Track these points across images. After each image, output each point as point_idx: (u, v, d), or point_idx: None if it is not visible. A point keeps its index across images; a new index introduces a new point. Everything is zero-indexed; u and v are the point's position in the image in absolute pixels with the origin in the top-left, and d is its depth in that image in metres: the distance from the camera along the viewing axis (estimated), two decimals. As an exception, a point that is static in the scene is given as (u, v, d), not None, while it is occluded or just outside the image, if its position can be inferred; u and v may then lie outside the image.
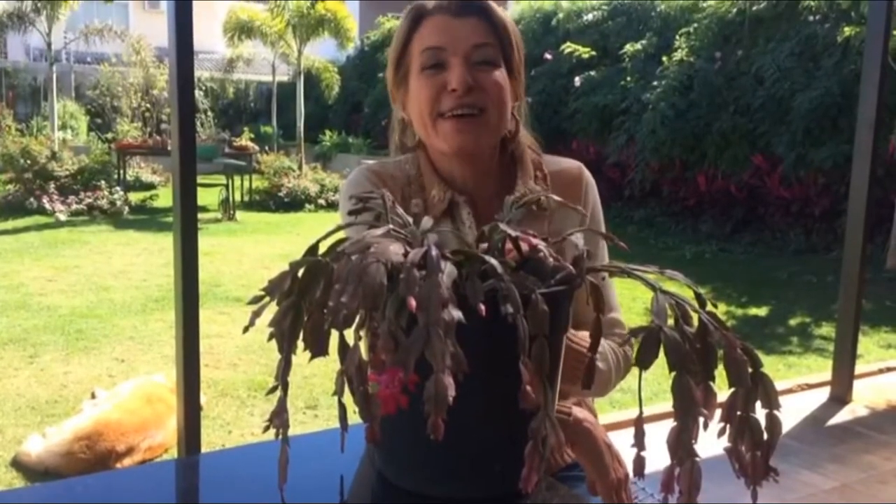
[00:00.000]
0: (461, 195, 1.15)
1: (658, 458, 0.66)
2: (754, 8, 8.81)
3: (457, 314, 0.58)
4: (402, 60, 1.15)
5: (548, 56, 10.74)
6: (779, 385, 3.82)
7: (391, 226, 0.74)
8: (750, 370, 0.66)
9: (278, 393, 0.65)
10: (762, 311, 5.78)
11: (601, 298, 0.77)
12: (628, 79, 9.68)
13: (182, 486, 1.16)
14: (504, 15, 1.14)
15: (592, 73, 10.21)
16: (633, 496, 1.07)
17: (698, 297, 0.71)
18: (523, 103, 1.21)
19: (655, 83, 9.19)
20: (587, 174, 1.23)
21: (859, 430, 3.39)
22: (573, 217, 1.14)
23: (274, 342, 0.65)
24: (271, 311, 0.66)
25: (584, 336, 0.93)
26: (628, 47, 9.86)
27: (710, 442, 0.67)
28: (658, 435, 0.65)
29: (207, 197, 9.36)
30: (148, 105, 13.47)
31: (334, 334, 0.62)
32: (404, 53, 1.14)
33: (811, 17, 8.25)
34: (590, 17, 10.70)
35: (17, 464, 2.96)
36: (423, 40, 1.11)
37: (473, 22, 1.11)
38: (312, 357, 0.63)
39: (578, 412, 1.05)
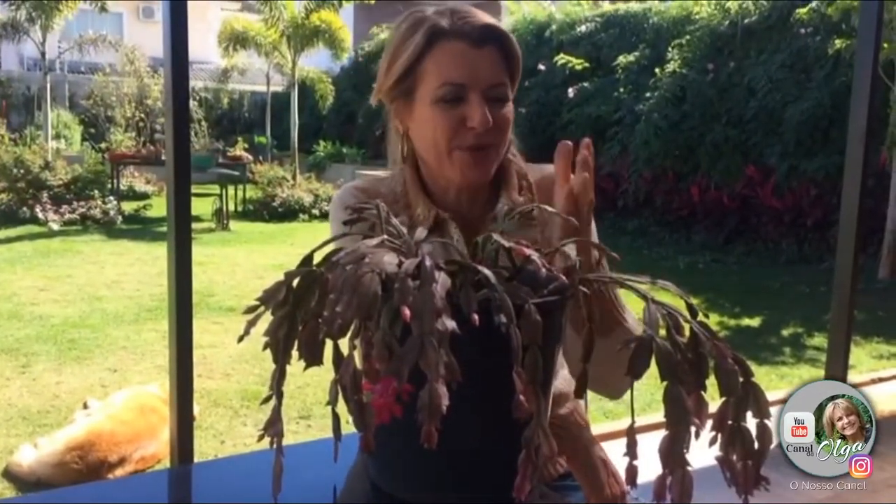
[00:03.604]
0: (448, 212, 1.13)
1: (650, 467, 0.66)
2: (746, 20, 8.87)
3: (450, 324, 0.59)
4: (408, 75, 1.09)
5: (541, 67, 10.78)
6: (771, 395, 3.81)
7: (385, 236, 0.74)
8: (741, 379, 0.67)
9: (272, 402, 0.65)
10: (755, 322, 5.79)
11: (594, 309, 0.77)
12: (621, 90, 9.72)
13: (174, 497, 1.15)
14: (516, 43, 1.11)
15: (586, 84, 10.25)
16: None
17: (690, 307, 0.71)
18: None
19: (648, 94, 9.24)
20: None
21: (852, 441, 3.39)
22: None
23: (267, 352, 0.65)
24: (265, 321, 0.67)
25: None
26: (621, 59, 9.90)
27: (702, 451, 0.68)
28: (650, 444, 0.66)
29: (201, 207, 9.35)
30: (142, 115, 13.46)
31: (329, 344, 0.62)
32: (413, 70, 1.09)
33: (802, 30, 8.31)
34: (583, 28, 10.75)
35: (9, 474, 2.95)
36: (442, 70, 1.07)
37: (493, 54, 1.07)
38: (307, 367, 0.64)
39: (574, 428, 1.05)
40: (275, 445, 0.65)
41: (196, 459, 2.60)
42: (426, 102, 1.08)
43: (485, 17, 1.09)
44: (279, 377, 0.65)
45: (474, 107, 1.05)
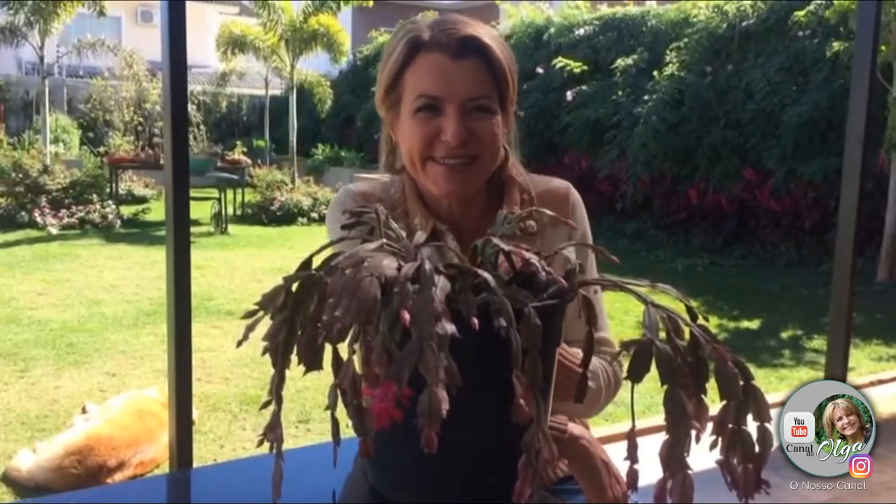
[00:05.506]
0: (444, 223, 1.12)
1: (651, 470, 0.66)
2: (744, 23, 8.88)
3: (450, 328, 0.58)
4: (393, 87, 1.11)
5: (540, 70, 10.79)
6: (771, 397, 3.81)
7: (385, 240, 0.74)
8: (741, 383, 0.67)
9: (272, 407, 0.65)
10: (754, 324, 5.79)
11: (593, 313, 0.77)
12: (620, 93, 9.74)
13: (174, 502, 1.15)
14: (502, 52, 1.08)
15: (584, 87, 10.26)
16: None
17: (690, 310, 0.71)
18: (513, 131, 1.18)
19: (646, 97, 9.25)
20: (574, 193, 1.21)
21: (851, 443, 3.38)
22: (562, 237, 1.12)
23: (266, 356, 0.65)
24: (264, 325, 0.66)
25: (574, 352, 0.93)
26: (619, 62, 9.92)
27: (703, 455, 0.68)
28: (651, 448, 0.66)
29: (200, 210, 9.34)
30: (140, 119, 13.44)
31: (328, 348, 0.62)
32: (396, 82, 1.10)
33: (800, 33, 8.33)
34: (581, 31, 10.76)
35: (7, 479, 2.94)
36: (419, 81, 1.07)
37: (472, 66, 1.06)
38: (306, 371, 0.64)
39: (575, 429, 1.04)
40: (274, 450, 0.65)
41: (195, 464, 2.60)
42: (407, 115, 1.09)
43: (469, 28, 1.07)
44: (278, 382, 0.65)
45: (448, 119, 1.05)
